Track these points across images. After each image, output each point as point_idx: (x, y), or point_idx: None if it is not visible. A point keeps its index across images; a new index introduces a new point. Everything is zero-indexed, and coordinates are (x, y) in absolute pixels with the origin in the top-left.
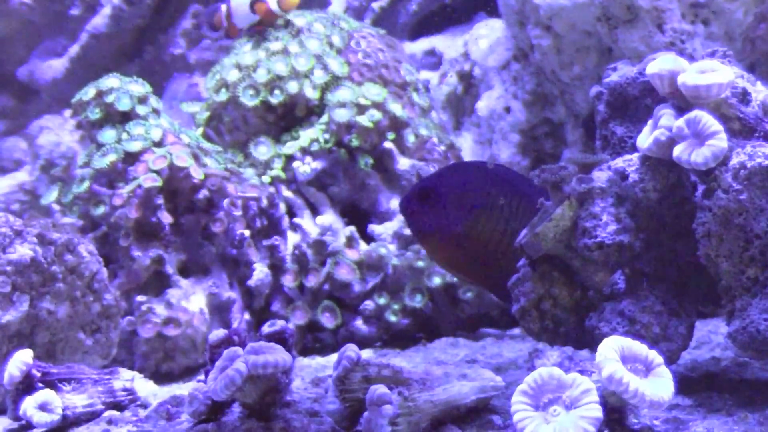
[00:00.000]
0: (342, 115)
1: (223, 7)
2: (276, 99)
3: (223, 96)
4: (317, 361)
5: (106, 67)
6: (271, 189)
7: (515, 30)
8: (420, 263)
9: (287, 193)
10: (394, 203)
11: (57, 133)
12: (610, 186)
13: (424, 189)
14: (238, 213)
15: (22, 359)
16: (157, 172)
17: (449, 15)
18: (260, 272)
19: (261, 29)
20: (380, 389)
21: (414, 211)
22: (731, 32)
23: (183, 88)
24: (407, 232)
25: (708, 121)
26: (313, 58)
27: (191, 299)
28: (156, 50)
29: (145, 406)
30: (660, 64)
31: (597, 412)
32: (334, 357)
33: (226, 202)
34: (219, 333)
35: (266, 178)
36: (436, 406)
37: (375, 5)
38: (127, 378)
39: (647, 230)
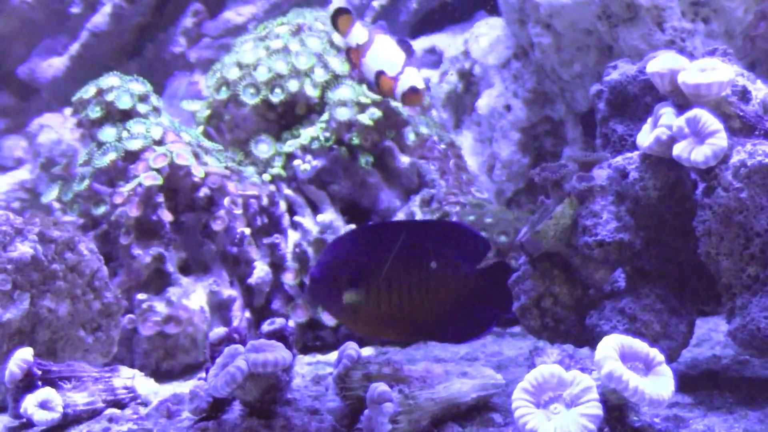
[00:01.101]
0: (342, 114)
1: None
2: (276, 97)
3: (223, 94)
4: (318, 359)
5: (106, 65)
6: (272, 187)
7: (515, 28)
8: None
9: (288, 191)
10: (395, 201)
11: (57, 131)
12: (611, 184)
13: (312, 278)
14: (238, 211)
15: (22, 357)
16: (158, 170)
17: (450, 13)
18: (261, 270)
19: (376, 92)
20: (381, 387)
21: (315, 295)
22: (731, 30)
23: (183, 87)
24: None
25: (708, 119)
26: (314, 56)
27: (192, 297)
28: (156, 48)
29: (145, 404)
30: (660, 62)
31: (597, 410)
32: (334, 355)
33: (226, 200)
34: (219, 331)
35: (267, 177)
36: (437, 404)
37: (375, 3)
38: (127, 376)
39: (647, 228)
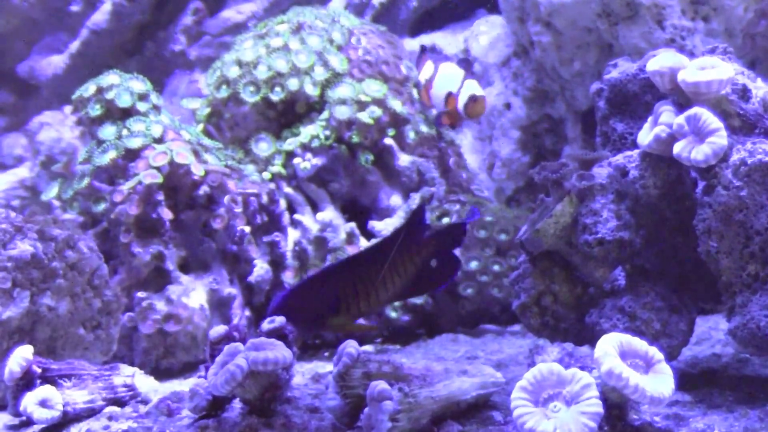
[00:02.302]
0: (342, 112)
1: (422, 76)
2: (276, 96)
3: (223, 92)
4: (317, 357)
5: (106, 63)
6: (272, 185)
7: (515, 26)
8: None
9: (288, 189)
10: (395, 199)
11: (57, 129)
12: (611, 182)
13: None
14: (238, 209)
15: (22, 355)
16: (158, 168)
17: (449, 11)
18: (261, 268)
19: (448, 122)
20: (381, 385)
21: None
22: (731, 29)
23: (183, 85)
24: None
25: (708, 118)
26: (314, 54)
27: (191, 295)
28: (156, 46)
29: (145, 402)
30: (660, 60)
31: (597, 407)
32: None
33: (226, 198)
34: (219, 329)
35: (267, 175)
36: (437, 402)
37: (375, 1)
38: (127, 374)
39: (648, 227)
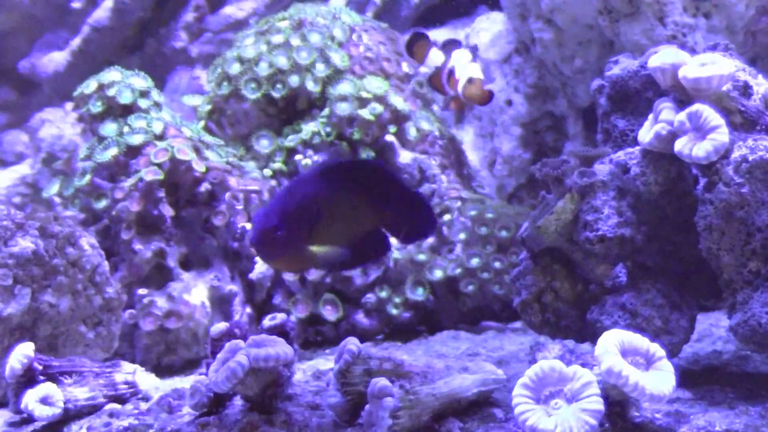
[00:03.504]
0: (343, 109)
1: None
2: (278, 93)
3: (225, 89)
4: (318, 354)
5: (107, 60)
6: (273, 182)
7: (517, 23)
8: (421, 256)
9: None
10: None
11: (58, 126)
12: (612, 179)
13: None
14: (239, 206)
15: (23, 352)
16: (159, 165)
17: (451, 8)
18: (262, 265)
19: (454, 106)
20: (382, 382)
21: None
22: (733, 25)
23: (185, 82)
24: None
25: (709, 114)
26: (315, 51)
27: (193, 292)
28: (157, 43)
29: (146, 399)
30: (661, 57)
31: (598, 404)
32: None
33: (227, 195)
34: (220, 326)
35: (268, 171)
36: (438, 399)
37: None
38: (128, 371)
39: (649, 223)
